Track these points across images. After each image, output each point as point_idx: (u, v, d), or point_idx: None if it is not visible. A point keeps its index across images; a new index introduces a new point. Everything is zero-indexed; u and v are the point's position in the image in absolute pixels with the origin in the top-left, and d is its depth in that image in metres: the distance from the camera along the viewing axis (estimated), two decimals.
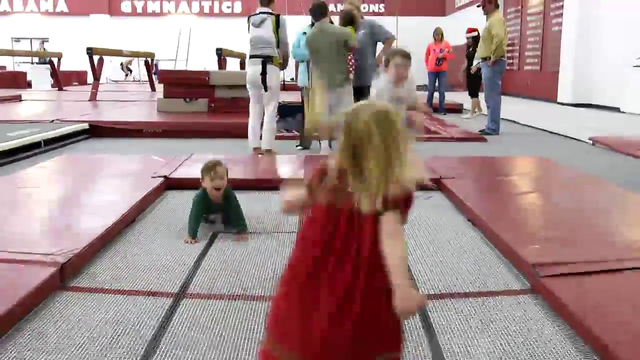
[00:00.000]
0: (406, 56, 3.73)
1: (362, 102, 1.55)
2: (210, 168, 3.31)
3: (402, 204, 1.43)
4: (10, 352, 2.00)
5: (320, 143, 6.38)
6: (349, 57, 5.97)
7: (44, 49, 21.77)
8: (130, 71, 24.33)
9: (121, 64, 24.04)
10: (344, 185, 1.45)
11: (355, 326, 1.42)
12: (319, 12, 6.07)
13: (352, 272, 1.43)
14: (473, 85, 10.66)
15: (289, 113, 8.51)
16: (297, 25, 7.52)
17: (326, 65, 5.86)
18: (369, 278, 1.43)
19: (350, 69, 6.00)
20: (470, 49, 10.70)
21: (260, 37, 5.86)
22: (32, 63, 20.46)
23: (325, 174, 1.49)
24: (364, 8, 18.05)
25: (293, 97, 8.71)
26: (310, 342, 1.43)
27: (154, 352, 2.04)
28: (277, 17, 5.93)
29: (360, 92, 6.37)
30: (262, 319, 2.27)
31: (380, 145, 1.41)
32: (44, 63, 19.30)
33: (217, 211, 3.44)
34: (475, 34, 10.60)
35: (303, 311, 1.45)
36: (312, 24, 6.63)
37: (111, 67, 20.64)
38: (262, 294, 2.55)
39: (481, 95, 9.61)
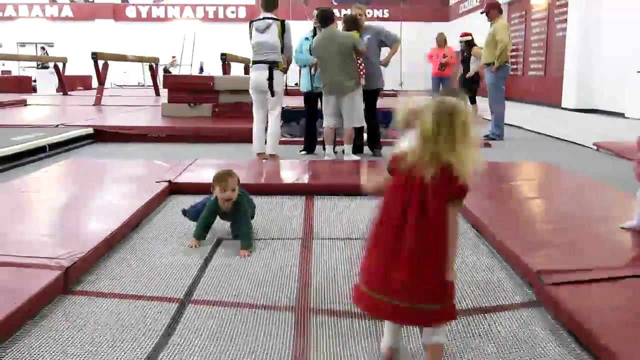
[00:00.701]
0: None
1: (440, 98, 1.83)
2: (221, 179, 3.23)
3: (463, 196, 1.81)
4: (15, 355, 2.01)
5: (324, 149, 6.38)
6: (359, 62, 5.98)
7: (46, 53, 21.84)
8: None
9: (164, 67, 24.11)
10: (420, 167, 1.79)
11: (421, 279, 1.81)
12: (326, 19, 6.07)
13: (423, 236, 1.80)
14: (470, 91, 10.58)
15: (292, 118, 8.53)
16: (300, 31, 7.53)
17: (335, 71, 5.87)
18: (434, 244, 1.81)
19: (362, 72, 6.01)
20: (465, 54, 10.64)
21: (264, 43, 5.87)
22: (37, 67, 20.54)
23: (402, 160, 1.83)
24: (369, 13, 18.10)
25: (296, 102, 8.71)
26: (390, 285, 1.82)
27: (156, 357, 2.04)
28: (283, 22, 5.94)
29: (368, 95, 6.38)
30: (262, 326, 2.28)
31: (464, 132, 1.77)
32: (44, 68, 19.36)
33: (228, 219, 3.43)
34: (469, 38, 10.54)
35: (386, 263, 1.85)
36: (314, 30, 6.64)
37: (115, 72, 20.65)
38: (264, 303, 2.55)
39: (481, 100, 9.58)
